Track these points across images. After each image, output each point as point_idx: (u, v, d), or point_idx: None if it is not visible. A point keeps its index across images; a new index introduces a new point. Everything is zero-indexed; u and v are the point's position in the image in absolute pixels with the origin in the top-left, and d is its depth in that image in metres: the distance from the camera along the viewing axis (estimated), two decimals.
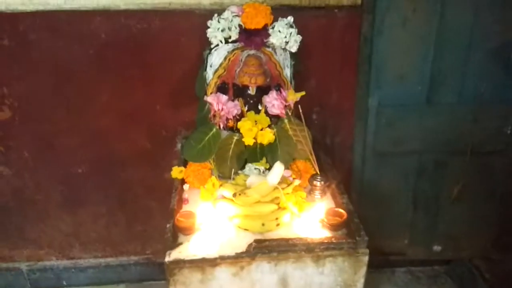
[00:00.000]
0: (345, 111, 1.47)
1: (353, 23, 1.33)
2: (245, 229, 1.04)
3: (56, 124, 1.42)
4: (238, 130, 1.18)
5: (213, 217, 1.08)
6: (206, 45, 1.22)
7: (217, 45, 1.19)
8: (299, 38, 1.20)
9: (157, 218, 1.57)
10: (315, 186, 1.16)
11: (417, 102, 1.43)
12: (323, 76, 1.40)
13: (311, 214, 1.10)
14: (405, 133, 1.46)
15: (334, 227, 1.05)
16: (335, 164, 1.34)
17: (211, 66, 1.20)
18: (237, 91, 1.21)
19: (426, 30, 1.34)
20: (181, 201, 1.16)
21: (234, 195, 1.08)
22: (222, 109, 1.18)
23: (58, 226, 1.58)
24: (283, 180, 1.14)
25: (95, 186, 1.52)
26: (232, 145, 1.19)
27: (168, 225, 1.02)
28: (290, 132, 1.20)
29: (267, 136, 1.17)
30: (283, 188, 1.09)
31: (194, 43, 1.29)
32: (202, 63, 1.22)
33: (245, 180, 1.14)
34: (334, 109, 1.46)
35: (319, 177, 1.16)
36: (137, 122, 1.43)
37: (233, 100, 1.21)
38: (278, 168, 1.09)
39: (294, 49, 1.20)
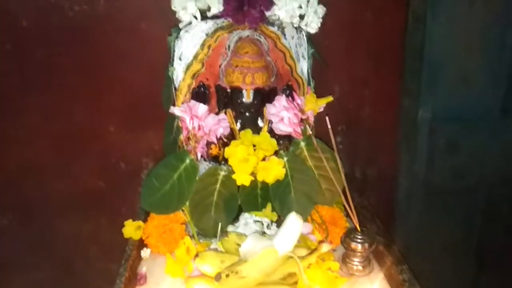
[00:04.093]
0: (383, 130, 1.12)
1: None
2: None
3: None
4: (226, 161, 0.80)
5: None
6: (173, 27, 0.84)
7: (189, 23, 0.79)
8: (322, 10, 0.81)
9: None
10: (355, 250, 0.75)
11: (489, 114, 1.07)
12: (350, 78, 1.05)
13: None
14: (472, 159, 1.10)
15: None
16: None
17: (180, 59, 0.81)
18: (224, 98, 0.83)
19: (504, 9, 0.99)
20: (133, 279, 0.75)
21: (218, 277, 0.64)
22: (199, 127, 0.78)
23: None
24: (302, 242, 0.74)
25: (28, 244, 1.13)
26: (218, 185, 0.79)
27: None
28: (310, 162, 0.81)
29: (274, 171, 0.78)
30: (302, 258, 0.68)
31: (162, 31, 0.93)
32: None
33: (238, 244, 0.72)
34: (367, 128, 1.11)
35: (359, 236, 0.76)
36: (83, 152, 1.06)
37: (217, 113, 0.83)
38: (293, 224, 0.69)
39: (314, 27, 0.81)
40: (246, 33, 0.80)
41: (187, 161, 0.78)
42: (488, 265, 1.22)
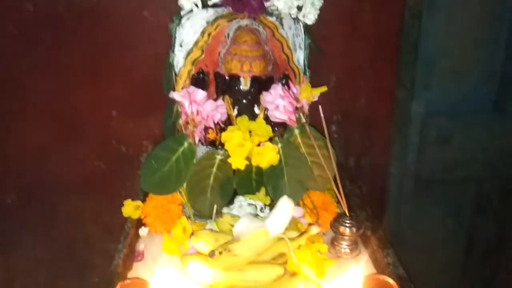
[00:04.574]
0: (377, 121, 1.12)
1: None
2: None
3: None
4: (223, 146, 0.82)
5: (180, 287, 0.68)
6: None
7: (191, 11, 0.81)
8: (319, 1, 0.82)
9: None
10: (343, 234, 0.78)
11: (481, 109, 1.08)
12: (347, 70, 1.06)
13: (339, 283, 0.71)
14: (462, 152, 1.10)
15: None
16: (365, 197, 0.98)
17: (181, 45, 0.83)
18: (222, 85, 0.84)
19: (499, 7, 1.00)
20: (132, 256, 0.78)
21: (212, 254, 0.67)
22: (198, 112, 0.79)
23: None
24: (293, 225, 0.76)
25: (31, 223, 1.14)
26: (214, 169, 0.81)
27: None
28: (303, 149, 0.83)
29: (268, 156, 0.79)
30: (292, 239, 0.71)
31: (164, 18, 0.95)
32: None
33: (231, 225, 0.74)
34: (361, 118, 1.11)
35: (348, 221, 0.78)
36: (86, 135, 1.08)
37: (215, 99, 0.84)
38: (285, 207, 0.72)
39: (311, 19, 0.82)
40: (245, 22, 0.81)
41: (185, 144, 0.80)
42: (477, 256, 1.23)
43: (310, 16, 0.81)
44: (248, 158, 0.79)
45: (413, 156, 1.11)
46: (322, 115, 0.73)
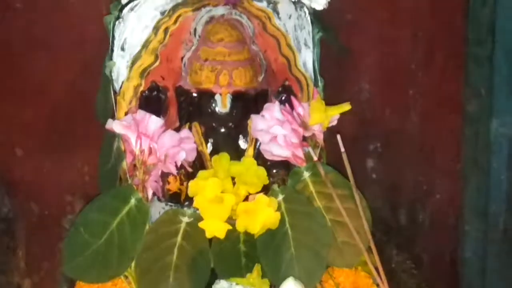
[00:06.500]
0: (439, 150, 1.21)
1: None
2: None
3: None
4: (191, 202, 0.87)
5: None
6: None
7: None
8: None
9: None
10: None
11: None
12: (388, 73, 1.15)
13: None
14: None
15: None
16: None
17: (123, 48, 0.90)
18: (188, 107, 0.92)
19: None
20: None
21: None
22: (151, 150, 0.86)
23: None
24: None
25: None
26: (179, 238, 0.87)
27: None
28: (318, 202, 0.88)
29: (262, 215, 0.85)
30: None
31: (98, 8, 1.05)
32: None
33: None
34: (414, 147, 1.20)
35: None
36: None
37: (178, 128, 0.92)
38: None
39: (321, 2, 0.90)
40: (220, 11, 0.88)
41: (133, 201, 0.85)
42: None
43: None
44: (231, 221, 0.84)
45: (499, 203, 1.17)
46: (342, 149, 0.79)
